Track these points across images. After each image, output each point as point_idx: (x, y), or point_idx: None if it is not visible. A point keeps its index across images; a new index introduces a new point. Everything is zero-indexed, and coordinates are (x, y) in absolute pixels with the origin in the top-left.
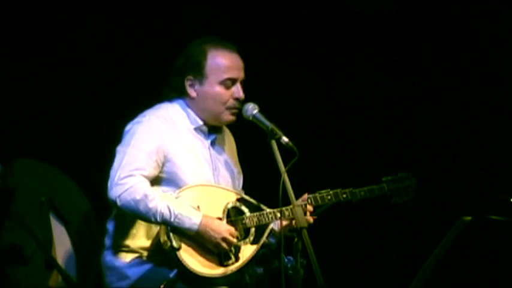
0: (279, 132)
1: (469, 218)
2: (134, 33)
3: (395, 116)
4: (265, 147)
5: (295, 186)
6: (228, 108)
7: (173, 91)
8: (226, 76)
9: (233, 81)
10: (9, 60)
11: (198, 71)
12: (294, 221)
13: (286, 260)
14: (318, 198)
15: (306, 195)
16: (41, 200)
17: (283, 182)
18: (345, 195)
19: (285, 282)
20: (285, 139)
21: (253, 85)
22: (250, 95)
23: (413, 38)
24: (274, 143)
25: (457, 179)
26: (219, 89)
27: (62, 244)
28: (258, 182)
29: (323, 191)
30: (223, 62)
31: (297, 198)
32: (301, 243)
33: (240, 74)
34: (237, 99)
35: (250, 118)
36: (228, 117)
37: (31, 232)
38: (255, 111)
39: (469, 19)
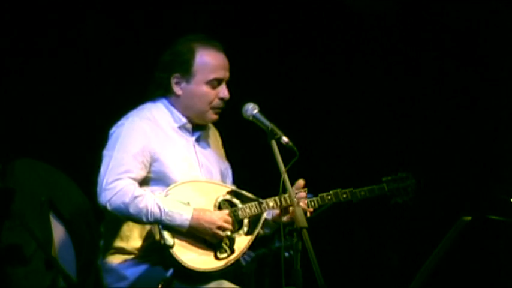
0: (279, 132)
1: (469, 218)
2: (135, 34)
3: (395, 116)
4: (265, 147)
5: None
6: (213, 108)
7: (159, 88)
8: (213, 76)
9: (219, 81)
10: (9, 60)
11: (186, 70)
12: (278, 211)
13: (278, 244)
14: (318, 198)
15: (301, 181)
16: (41, 200)
17: (283, 182)
18: (345, 195)
19: (284, 280)
20: (285, 139)
21: (253, 85)
22: (250, 95)
23: (414, 38)
24: (274, 143)
25: (456, 178)
26: (205, 88)
27: (62, 244)
28: (258, 181)
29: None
30: (211, 62)
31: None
32: (301, 243)
33: (226, 74)
34: (222, 99)
35: (250, 118)
36: (212, 116)
37: (31, 232)
38: (255, 111)
39: (469, 19)
